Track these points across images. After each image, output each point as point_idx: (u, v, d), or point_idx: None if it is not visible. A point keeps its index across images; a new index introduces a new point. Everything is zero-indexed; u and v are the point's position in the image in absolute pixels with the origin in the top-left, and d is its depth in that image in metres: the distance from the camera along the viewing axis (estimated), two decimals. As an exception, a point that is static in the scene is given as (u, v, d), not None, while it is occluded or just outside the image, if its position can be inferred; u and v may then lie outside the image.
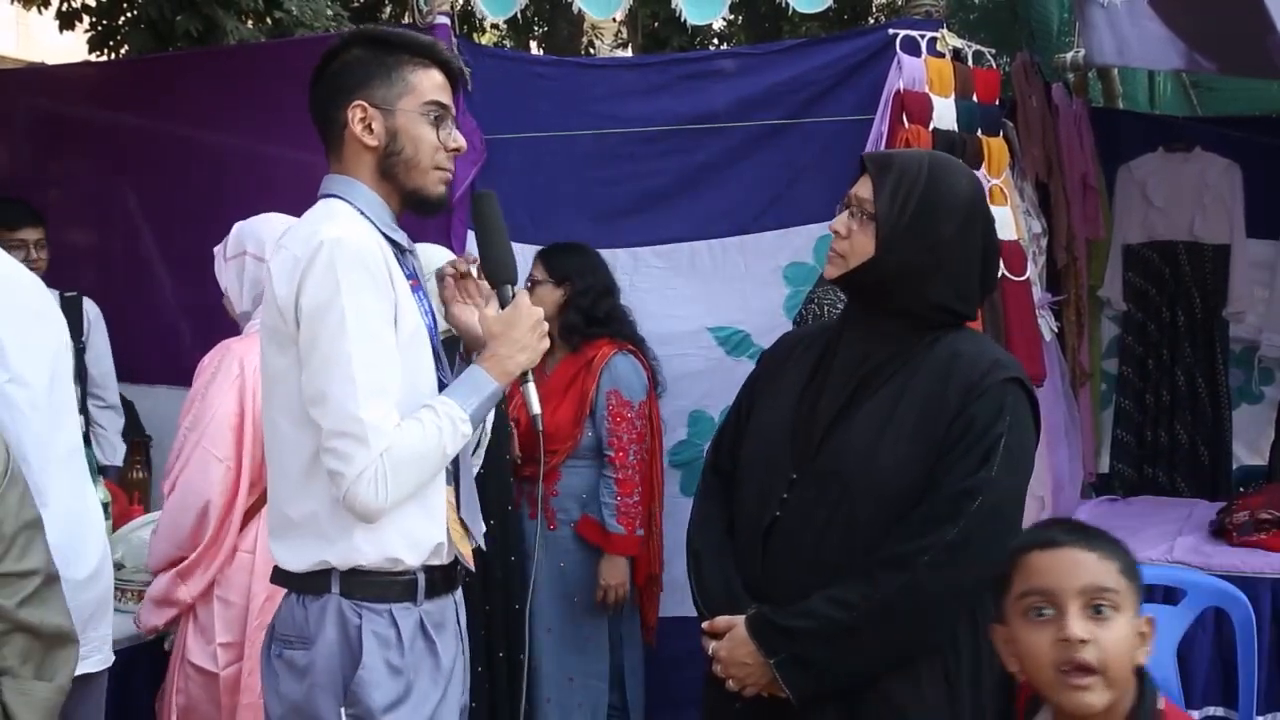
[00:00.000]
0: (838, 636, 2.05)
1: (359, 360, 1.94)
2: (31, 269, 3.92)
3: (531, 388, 2.17)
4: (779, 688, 2.09)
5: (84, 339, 4.28)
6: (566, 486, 3.74)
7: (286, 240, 2.06)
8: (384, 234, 2.08)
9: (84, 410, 4.27)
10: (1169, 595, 3.53)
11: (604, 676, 3.77)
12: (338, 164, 2.12)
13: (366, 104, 2.07)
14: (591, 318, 3.76)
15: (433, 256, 3.45)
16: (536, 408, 2.17)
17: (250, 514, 2.79)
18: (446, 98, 2.13)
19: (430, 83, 2.11)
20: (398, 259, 2.09)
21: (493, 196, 2.22)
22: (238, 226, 2.96)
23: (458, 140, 2.14)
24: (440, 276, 2.27)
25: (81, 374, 4.27)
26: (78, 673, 2.40)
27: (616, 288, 3.88)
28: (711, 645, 2.19)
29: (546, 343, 2.17)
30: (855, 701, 2.09)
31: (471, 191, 2.12)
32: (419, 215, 2.20)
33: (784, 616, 2.09)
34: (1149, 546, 3.80)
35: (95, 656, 2.46)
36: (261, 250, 2.89)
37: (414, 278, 2.14)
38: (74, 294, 4.31)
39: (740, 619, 2.15)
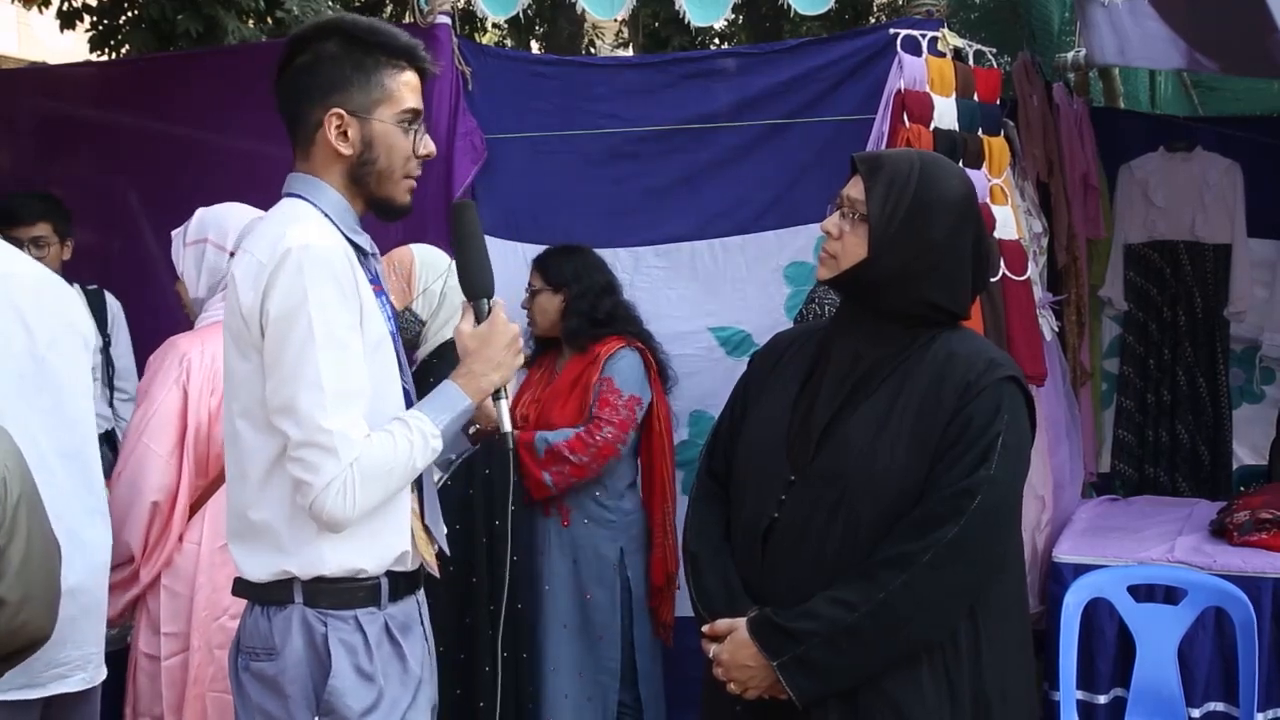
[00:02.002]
0: (840, 637, 2.05)
1: (327, 369, 1.92)
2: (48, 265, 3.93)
3: (504, 405, 2.13)
4: (781, 689, 2.09)
5: (108, 332, 4.29)
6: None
7: (249, 244, 2.03)
8: (347, 237, 2.05)
9: (110, 404, 4.28)
10: (1170, 595, 3.54)
11: (615, 674, 3.78)
12: (305, 163, 2.08)
13: (344, 111, 2.02)
14: (594, 319, 3.77)
15: (434, 260, 3.46)
16: (507, 426, 2.13)
17: (196, 505, 2.81)
18: (419, 101, 2.09)
19: (407, 88, 2.07)
20: (360, 263, 2.06)
21: (472, 206, 2.19)
22: (200, 212, 2.95)
23: (428, 147, 2.10)
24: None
25: (109, 368, 4.28)
26: (51, 693, 2.36)
27: (617, 285, 3.88)
28: (712, 648, 2.18)
29: (520, 360, 2.13)
30: (856, 701, 2.09)
31: (449, 202, 2.08)
32: (382, 220, 2.16)
33: (786, 618, 2.09)
34: (1150, 546, 3.80)
35: (75, 676, 2.41)
36: (224, 240, 2.89)
37: (376, 282, 2.12)
38: (95, 287, 4.31)
39: (741, 621, 2.15)
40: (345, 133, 2.04)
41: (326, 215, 2.04)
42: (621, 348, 3.76)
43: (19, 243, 4.02)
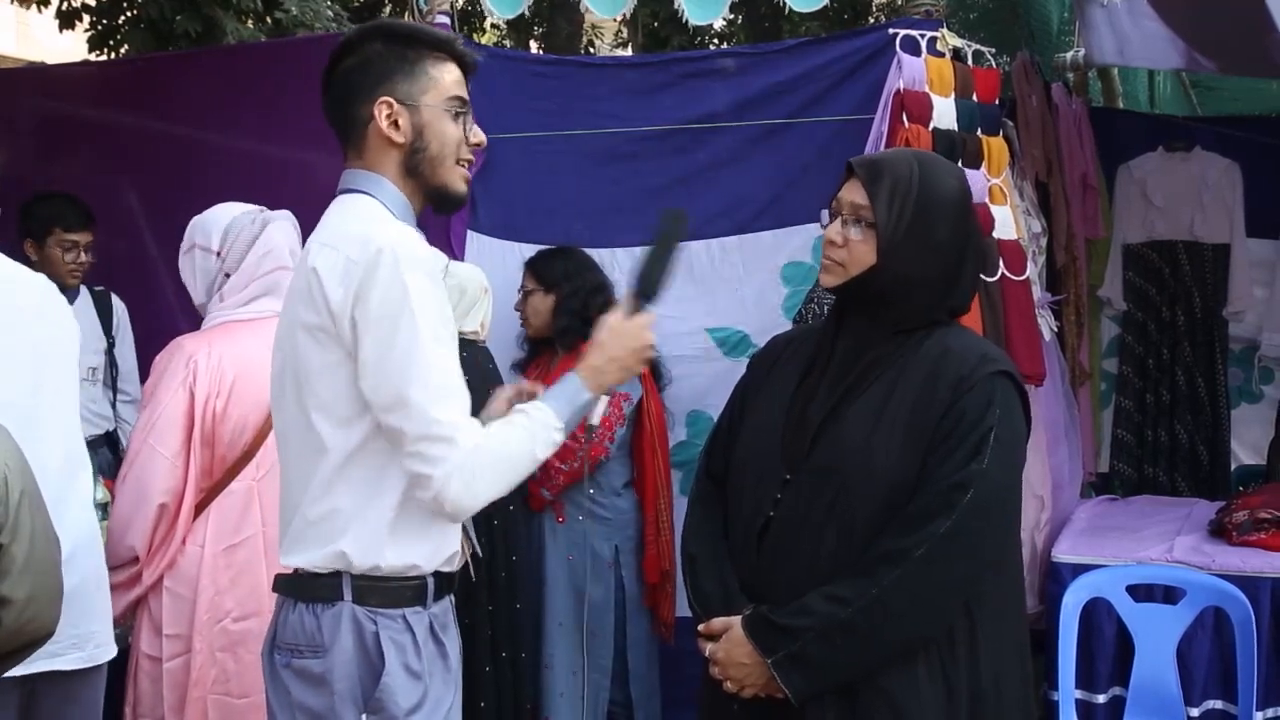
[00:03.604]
0: (835, 633, 2.05)
1: (435, 364, 1.95)
2: (77, 269, 4.00)
3: (604, 401, 2.14)
4: (777, 687, 2.09)
5: (113, 334, 4.31)
6: (569, 477, 3.75)
7: (330, 239, 2.02)
8: None
9: (113, 405, 4.32)
10: (1169, 595, 3.54)
11: (607, 672, 3.79)
12: (359, 160, 2.09)
13: (393, 100, 2.05)
14: (585, 318, 3.78)
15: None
16: (596, 420, 2.16)
17: (200, 507, 2.80)
18: (465, 92, 2.13)
19: (451, 77, 2.11)
20: None
21: (684, 215, 2.22)
22: (191, 222, 2.94)
23: (478, 135, 2.14)
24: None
25: (112, 369, 4.30)
26: (44, 669, 2.32)
27: (609, 284, 3.89)
28: (709, 647, 2.18)
29: (641, 369, 2.17)
30: (853, 698, 2.09)
31: (663, 209, 2.15)
32: (440, 212, 2.19)
33: (781, 615, 2.09)
34: (1149, 546, 3.81)
35: (70, 655, 2.39)
36: (209, 241, 2.87)
37: None
38: (102, 289, 4.33)
39: (737, 619, 2.15)
40: (396, 122, 2.06)
41: (390, 212, 2.05)
42: None
43: (74, 248, 4.08)
